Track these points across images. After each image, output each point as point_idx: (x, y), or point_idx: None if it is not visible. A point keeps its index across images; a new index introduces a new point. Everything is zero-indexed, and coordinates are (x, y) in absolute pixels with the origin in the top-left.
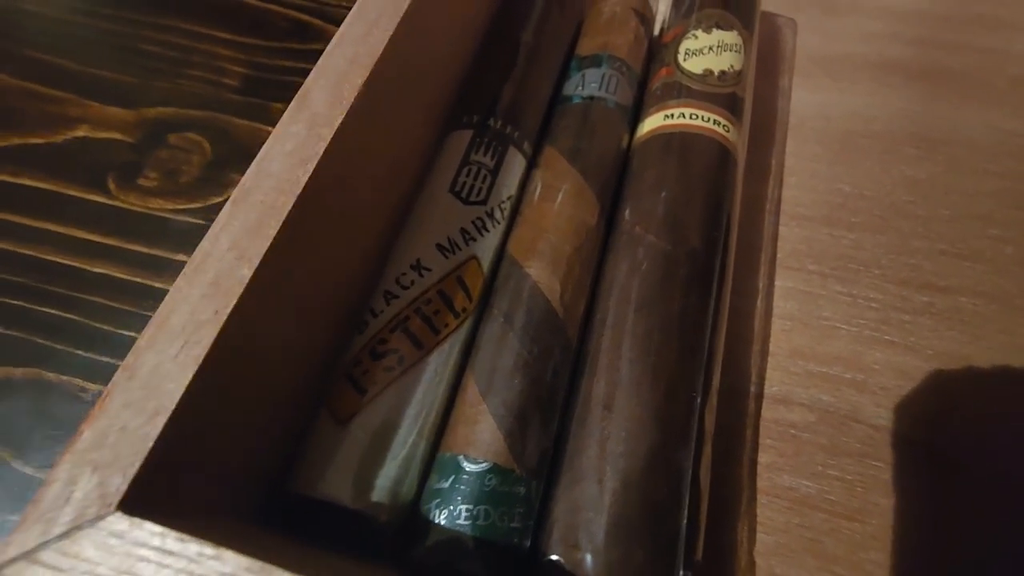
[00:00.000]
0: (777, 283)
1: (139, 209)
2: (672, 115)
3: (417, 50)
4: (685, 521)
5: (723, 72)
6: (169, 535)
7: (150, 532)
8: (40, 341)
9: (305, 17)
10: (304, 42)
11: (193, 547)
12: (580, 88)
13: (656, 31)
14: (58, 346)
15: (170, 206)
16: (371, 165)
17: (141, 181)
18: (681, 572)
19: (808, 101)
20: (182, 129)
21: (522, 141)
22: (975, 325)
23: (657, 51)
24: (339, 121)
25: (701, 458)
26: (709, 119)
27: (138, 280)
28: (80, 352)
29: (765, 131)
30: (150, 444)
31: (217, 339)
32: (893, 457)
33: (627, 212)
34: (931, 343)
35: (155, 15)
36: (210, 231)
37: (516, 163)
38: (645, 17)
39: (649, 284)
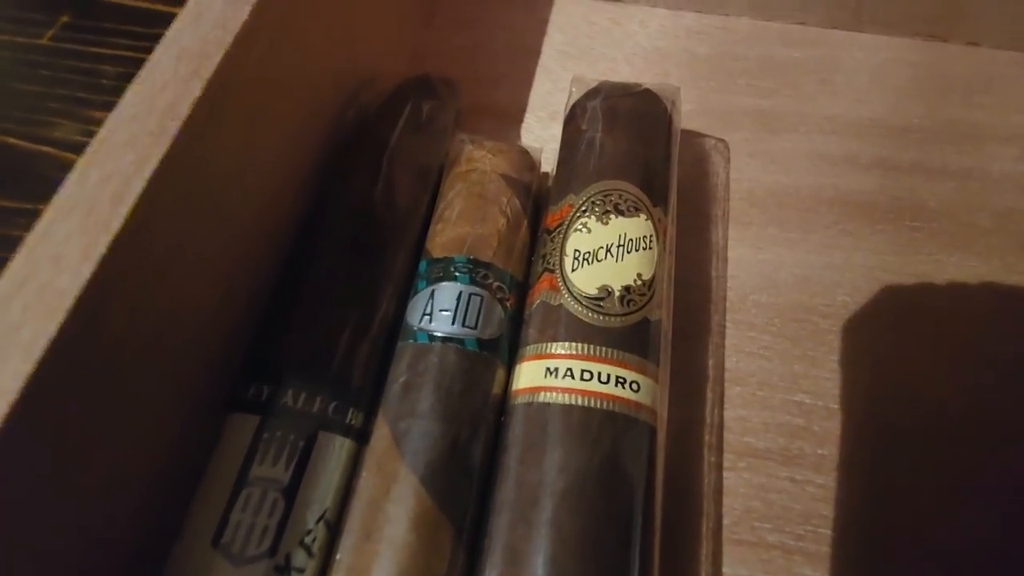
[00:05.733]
0: (725, 570)
1: None
2: (556, 371)
3: (150, 320)
4: None
5: (627, 290)
6: None
7: None
8: None
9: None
10: None
11: None
12: (427, 318)
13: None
14: None
15: None
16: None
17: None
18: None
19: (750, 261)
20: None
21: (345, 411)
22: None
23: (540, 236)
24: None
25: None
26: (609, 377)
27: None
28: None
29: (695, 314)
30: None
31: None
32: None
33: (496, 548)
34: None
35: None
36: None
37: (333, 455)
38: (522, 183)
39: None
